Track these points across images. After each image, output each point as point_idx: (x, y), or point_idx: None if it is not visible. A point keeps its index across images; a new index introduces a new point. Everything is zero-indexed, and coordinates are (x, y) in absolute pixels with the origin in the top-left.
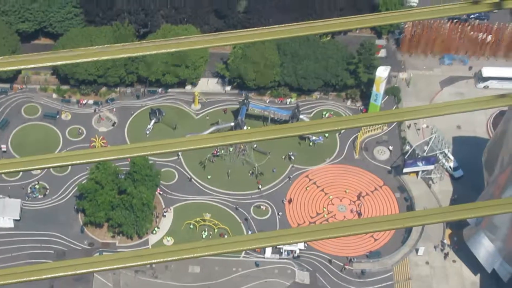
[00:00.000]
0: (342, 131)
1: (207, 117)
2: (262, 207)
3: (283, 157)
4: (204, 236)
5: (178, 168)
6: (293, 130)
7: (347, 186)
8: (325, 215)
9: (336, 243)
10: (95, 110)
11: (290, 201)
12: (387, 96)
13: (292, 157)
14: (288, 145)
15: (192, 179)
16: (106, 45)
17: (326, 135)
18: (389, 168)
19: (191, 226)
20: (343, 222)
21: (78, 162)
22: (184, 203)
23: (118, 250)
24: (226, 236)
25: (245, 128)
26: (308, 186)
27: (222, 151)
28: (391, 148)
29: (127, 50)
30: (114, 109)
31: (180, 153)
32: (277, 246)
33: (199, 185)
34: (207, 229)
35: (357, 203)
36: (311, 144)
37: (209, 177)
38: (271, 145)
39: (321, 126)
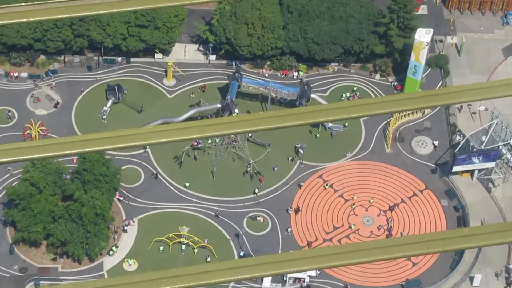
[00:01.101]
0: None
1: (192, 95)
2: (259, 218)
3: (288, 151)
4: (182, 254)
5: (145, 166)
6: (302, 116)
7: (375, 190)
8: (351, 227)
9: (359, 269)
10: (34, 85)
11: (297, 210)
12: (430, 69)
13: (301, 151)
14: (295, 135)
15: (162, 179)
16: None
17: (346, 123)
18: (433, 166)
19: (161, 247)
20: (371, 243)
21: (4, 160)
22: (152, 213)
23: (61, 278)
24: (209, 260)
25: (236, 111)
26: (326, 186)
27: (207, 142)
28: (436, 142)
29: (72, 9)
30: (55, 85)
31: (147, 146)
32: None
33: (173, 188)
34: (184, 249)
35: (389, 214)
36: (327, 132)
37: (187, 184)
38: (271, 135)
39: (340, 110)
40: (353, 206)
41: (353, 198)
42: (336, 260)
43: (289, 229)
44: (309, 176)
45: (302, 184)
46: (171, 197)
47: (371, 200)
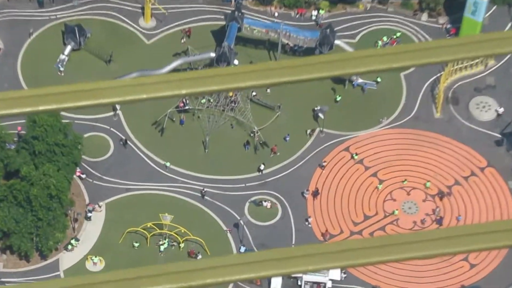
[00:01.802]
0: (411, 69)
1: (183, 40)
2: (265, 204)
3: (304, 115)
4: (161, 255)
5: (115, 133)
6: (324, 66)
7: (420, 168)
8: (395, 212)
9: (396, 270)
10: None
11: (315, 193)
12: (495, 6)
13: (321, 115)
14: (313, 94)
15: (138, 150)
16: None
17: (379, 78)
18: (499, 136)
19: (136, 243)
20: (413, 236)
21: None
22: (124, 195)
23: (2, 280)
24: (199, 257)
25: (235, 62)
26: (355, 156)
27: (197, 103)
28: (500, 109)
29: None
30: None
31: (118, 107)
32: (293, 275)
33: (152, 163)
34: (167, 242)
35: (438, 201)
36: (355, 91)
37: (167, 164)
38: (282, 94)
39: (374, 59)
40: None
41: (402, 182)
42: (366, 256)
43: (309, 219)
44: (331, 149)
45: (324, 161)
46: (149, 175)
47: (428, 184)
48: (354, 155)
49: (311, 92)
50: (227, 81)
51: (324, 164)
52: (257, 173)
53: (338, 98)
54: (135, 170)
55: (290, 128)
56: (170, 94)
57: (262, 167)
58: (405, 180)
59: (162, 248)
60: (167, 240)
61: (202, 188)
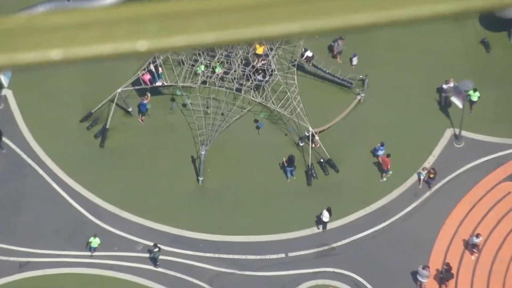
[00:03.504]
0: None
1: None
2: None
3: (423, 102)
4: None
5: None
6: None
7: None
8: None
9: None
10: None
11: (446, 274)
12: None
13: (457, 102)
14: (438, 54)
15: (43, 173)
16: None
17: None
18: None
19: None
20: None
21: None
22: (16, 278)
23: None
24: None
25: None
26: None
27: (188, 73)
28: None
29: None
30: None
31: (5, 81)
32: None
33: (77, 205)
34: None
35: None
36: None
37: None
38: (370, 55)
39: None
40: None
41: None
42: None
43: None
44: (481, 177)
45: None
46: (65, 234)
47: None
48: None
49: (434, 48)
50: (244, 21)
51: (462, 208)
52: (314, 229)
53: (493, 68)
54: (40, 223)
55: (386, 129)
56: (113, 50)
57: (325, 216)
58: None
59: None
60: None
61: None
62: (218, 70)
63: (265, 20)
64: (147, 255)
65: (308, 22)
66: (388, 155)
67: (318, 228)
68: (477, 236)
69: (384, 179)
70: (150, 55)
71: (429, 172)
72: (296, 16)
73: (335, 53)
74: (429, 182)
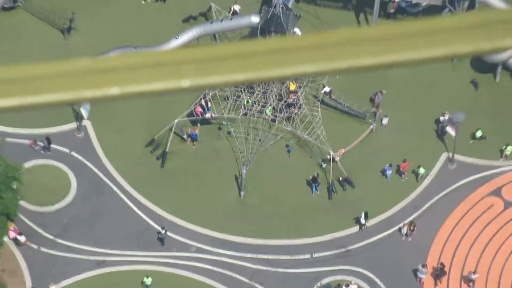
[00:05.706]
0: None
1: None
2: None
3: (423, 127)
4: None
5: (79, 160)
6: (454, 37)
7: None
8: None
9: None
10: None
11: (439, 272)
12: None
13: (450, 130)
14: (437, 90)
15: (116, 189)
16: None
17: None
18: None
19: None
20: None
21: None
22: (96, 273)
23: None
24: None
25: (296, 31)
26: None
27: (230, 106)
28: None
29: None
30: None
31: (85, 113)
32: None
33: (144, 216)
34: None
35: None
36: None
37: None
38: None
39: None
40: None
41: None
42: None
43: None
44: (468, 193)
45: (452, 215)
46: (137, 239)
47: None
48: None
49: (433, 86)
50: (273, 64)
51: (453, 218)
52: (335, 234)
53: (483, 100)
54: (114, 229)
55: (393, 153)
56: (162, 86)
57: (363, 218)
58: None
59: None
60: None
61: (192, 248)
62: (248, 103)
63: (284, 62)
64: (200, 255)
65: (321, 64)
66: (404, 160)
67: (361, 228)
68: (474, 273)
69: (406, 178)
70: (200, 92)
71: (409, 226)
72: (310, 59)
73: (376, 104)
74: (410, 234)
